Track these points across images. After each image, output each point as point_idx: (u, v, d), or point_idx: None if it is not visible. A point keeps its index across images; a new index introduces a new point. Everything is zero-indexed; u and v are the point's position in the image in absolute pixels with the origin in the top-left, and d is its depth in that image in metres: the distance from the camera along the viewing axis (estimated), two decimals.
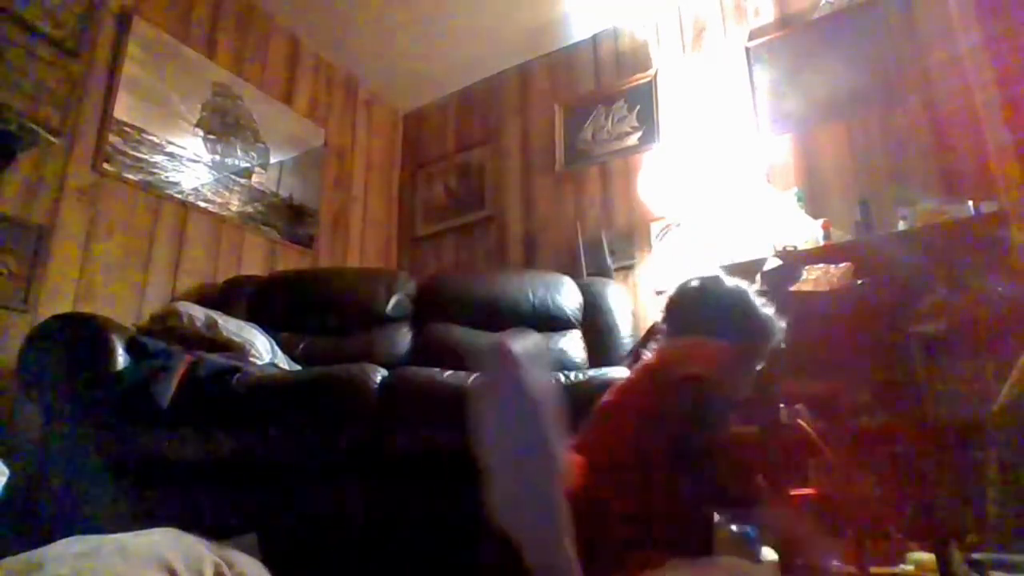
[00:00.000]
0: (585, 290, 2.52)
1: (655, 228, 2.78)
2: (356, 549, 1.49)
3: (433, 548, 1.45)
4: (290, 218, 3.03)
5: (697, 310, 1.31)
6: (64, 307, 2.06)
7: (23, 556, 0.93)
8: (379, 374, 1.61)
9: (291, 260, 2.99)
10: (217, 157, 2.71)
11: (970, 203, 1.91)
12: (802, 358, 1.46)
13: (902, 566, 1.61)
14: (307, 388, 1.62)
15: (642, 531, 1.01)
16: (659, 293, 2.72)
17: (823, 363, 1.54)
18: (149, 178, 2.42)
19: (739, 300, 1.30)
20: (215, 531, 1.22)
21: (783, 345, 1.30)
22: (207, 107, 2.70)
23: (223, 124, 2.77)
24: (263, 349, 2.05)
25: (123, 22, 2.41)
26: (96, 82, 2.30)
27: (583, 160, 3.11)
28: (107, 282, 2.25)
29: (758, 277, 1.95)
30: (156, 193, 2.45)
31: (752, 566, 1.16)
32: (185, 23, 2.67)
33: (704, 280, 1.37)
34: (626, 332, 2.41)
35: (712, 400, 1.13)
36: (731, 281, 1.35)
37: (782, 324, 1.31)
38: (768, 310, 1.31)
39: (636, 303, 2.71)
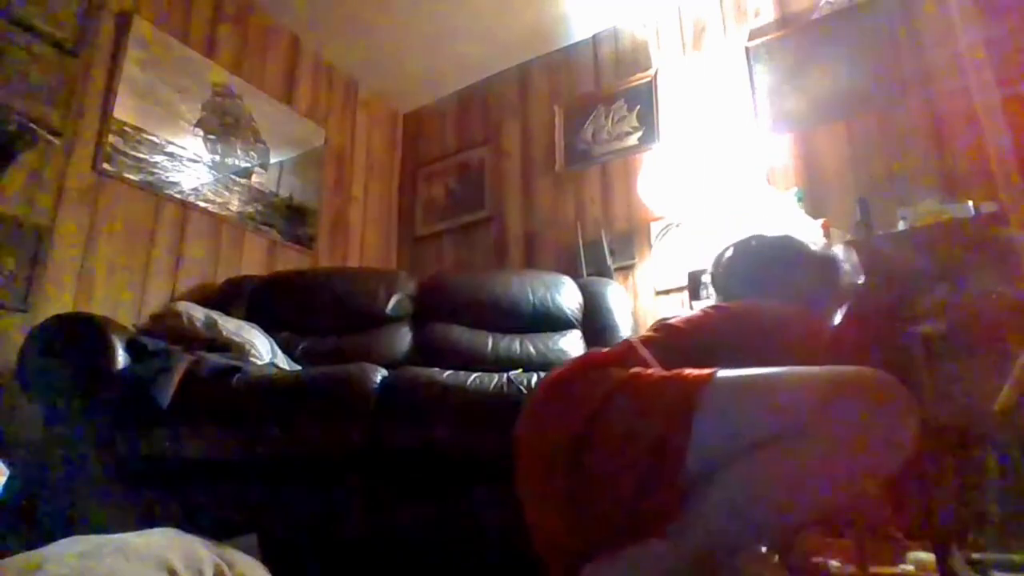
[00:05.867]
0: (585, 290, 2.52)
1: (655, 228, 2.78)
2: (356, 549, 1.49)
3: (433, 548, 1.45)
4: (290, 218, 3.03)
5: (750, 272, 1.24)
6: (64, 307, 2.06)
7: (23, 556, 0.93)
8: (379, 374, 1.61)
9: (291, 260, 2.99)
10: (217, 157, 2.71)
11: (970, 203, 1.91)
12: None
13: (902, 566, 1.61)
14: (307, 388, 1.62)
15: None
16: (659, 293, 2.72)
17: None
18: (149, 178, 2.42)
19: (787, 251, 1.23)
20: (215, 531, 1.22)
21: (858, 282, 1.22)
22: (207, 107, 2.70)
23: (223, 124, 2.76)
24: (263, 349, 2.04)
25: (123, 22, 2.41)
26: (96, 82, 2.30)
27: (583, 160, 3.11)
28: (107, 282, 2.25)
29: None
30: (156, 193, 2.45)
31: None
32: (185, 23, 2.67)
33: (748, 239, 1.30)
34: (626, 332, 2.41)
35: None
36: (773, 235, 1.28)
37: (848, 261, 1.24)
38: (824, 252, 1.23)
39: (636, 303, 2.71)
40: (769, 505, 0.84)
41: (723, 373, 0.90)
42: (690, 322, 1.13)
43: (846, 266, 1.25)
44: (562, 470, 0.92)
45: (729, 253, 1.30)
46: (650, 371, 0.97)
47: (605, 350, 1.05)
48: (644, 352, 1.02)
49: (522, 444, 1.01)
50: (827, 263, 1.24)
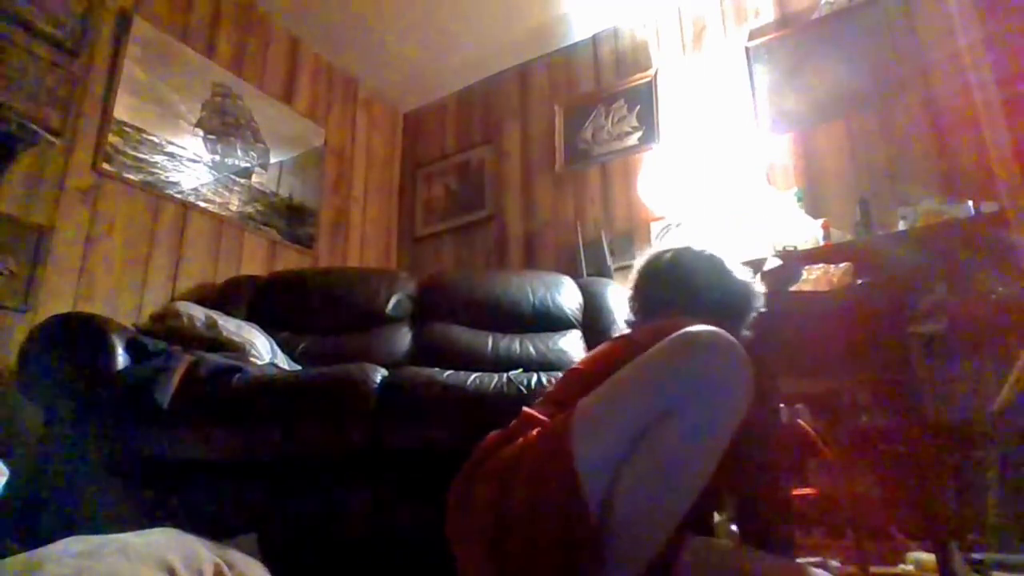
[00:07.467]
0: (585, 290, 2.51)
1: (655, 228, 2.78)
2: (356, 549, 1.49)
3: (433, 548, 1.45)
4: (290, 218, 3.03)
5: (670, 286, 1.27)
6: (64, 307, 2.06)
7: (23, 556, 0.94)
8: (379, 374, 1.61)
9: (291, 260, 2.99)
10: (217, 157, 2.71)
11: (970, 203, 1.91)
12: (802, 358, 1.46)
13: (902, 566, 1.61)
14: (307, 388, 1.62)
15: None
16: None
17: (823, 363, 1.54)
18: (149, 178, 2.42)
19: (714, 270, 1.27)
20: (215, 531, 1.22)
21: (763, 310, 1.28)
22: (207, 107, 2.70)
23: (223, 124, 2.76)
24: (263, 349, 2.04)
25: (123, 22, 2.41)
26: (96, 82, 2.30)
27: (583, 160, 3.11)
28: (107, 282, 2.25)
29: (758, 277, 1.95)
30: (156, 193, 2.45)
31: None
32: (185, 23, 2.67)
33: (674, 252, 1.32)
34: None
35: None
36: (701, 250, 1.31)
37: (760, 288, 1.29)
38: (745, 276, 1.28)
39: None
40: (672, 485, 0.88)
41: (582, 400, 0.96)
42: (592, 360, 1.19)
43: (760, 292, 1.31)
44: (491, 561, 0.96)
45: (659, 263, 1.32)
46: (532, 434, 1.00)
47: (497, 432, 1.09)
48: (537, 416, 1.06)
49: (451, 541, 1.06)
50: (747, 287, 1.29)
